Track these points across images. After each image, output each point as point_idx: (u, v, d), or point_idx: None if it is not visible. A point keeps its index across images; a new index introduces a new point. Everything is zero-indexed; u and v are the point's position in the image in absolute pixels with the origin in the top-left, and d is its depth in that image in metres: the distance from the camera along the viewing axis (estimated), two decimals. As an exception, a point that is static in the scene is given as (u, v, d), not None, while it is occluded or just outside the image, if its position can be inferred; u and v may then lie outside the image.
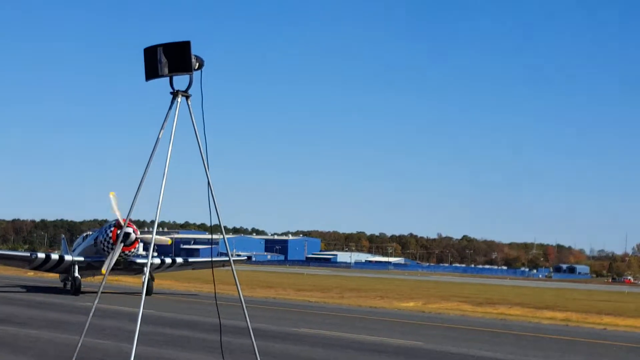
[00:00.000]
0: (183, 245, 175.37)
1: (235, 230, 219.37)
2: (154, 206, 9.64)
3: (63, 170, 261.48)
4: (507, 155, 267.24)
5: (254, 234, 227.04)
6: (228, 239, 11.20)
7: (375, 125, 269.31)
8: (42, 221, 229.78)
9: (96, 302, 10.09)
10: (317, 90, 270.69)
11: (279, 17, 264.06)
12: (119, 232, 31.57)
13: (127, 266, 33.49)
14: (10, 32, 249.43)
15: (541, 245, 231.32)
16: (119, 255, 31.92)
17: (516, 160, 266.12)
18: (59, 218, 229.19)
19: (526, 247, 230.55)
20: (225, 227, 10.54)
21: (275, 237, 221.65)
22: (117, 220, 31.80)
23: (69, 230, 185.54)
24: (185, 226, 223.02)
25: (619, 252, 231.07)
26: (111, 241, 32.25)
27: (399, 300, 38.45)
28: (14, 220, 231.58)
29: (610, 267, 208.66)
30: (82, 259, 33.55)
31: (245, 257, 63.13)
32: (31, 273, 49.70)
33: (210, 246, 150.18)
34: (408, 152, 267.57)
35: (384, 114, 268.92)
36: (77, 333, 15.88)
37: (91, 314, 10.03)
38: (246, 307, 10.52)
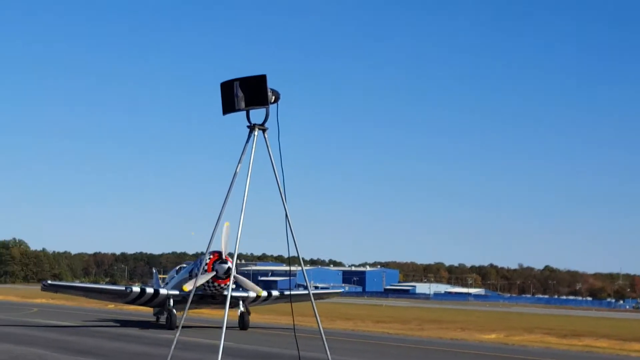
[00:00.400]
0: (261, 277, 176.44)
1: (312, 262, 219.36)
2: (233, 238, 9.72)
3: (142, 204, 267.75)
4: (589, 183, 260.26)
5: (331, 265, 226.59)
6: (305, 270, 11.17)
7: (451, 156, 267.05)
8: (122, 254, 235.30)
9: (177, 334, 10.20)
10: (390, 121, 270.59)
11: (360, 46, 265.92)
12: (215, 264, 31.23)
13: (224, 300, 32.21)
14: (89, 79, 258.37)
15: (627, 276, 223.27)
16: (216, 289, 31.66)
17: (600, 188, 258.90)
18: (139, 251, 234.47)
19: (612, 277, 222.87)
20: (302, 258, 10.53)
21: (353, 268, 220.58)
22: (214, 252, 31.21)
23: (148, 263, 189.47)
24: (263, 258, 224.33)
25: None
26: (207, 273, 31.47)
27: (480, 332, 37.55)
28: (95, 254, 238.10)
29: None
30: (177, 292, 32.91)
31: (341, 290, 62.00)
32: (112, 305, 50.00)
33: (288, 278, 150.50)
34: (488, 181, 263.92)
35: (459, 144, 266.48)
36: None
37: (173, 347, 10.13)
38: (325, 339, 10.43)
